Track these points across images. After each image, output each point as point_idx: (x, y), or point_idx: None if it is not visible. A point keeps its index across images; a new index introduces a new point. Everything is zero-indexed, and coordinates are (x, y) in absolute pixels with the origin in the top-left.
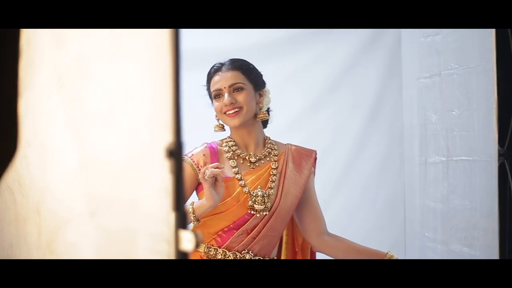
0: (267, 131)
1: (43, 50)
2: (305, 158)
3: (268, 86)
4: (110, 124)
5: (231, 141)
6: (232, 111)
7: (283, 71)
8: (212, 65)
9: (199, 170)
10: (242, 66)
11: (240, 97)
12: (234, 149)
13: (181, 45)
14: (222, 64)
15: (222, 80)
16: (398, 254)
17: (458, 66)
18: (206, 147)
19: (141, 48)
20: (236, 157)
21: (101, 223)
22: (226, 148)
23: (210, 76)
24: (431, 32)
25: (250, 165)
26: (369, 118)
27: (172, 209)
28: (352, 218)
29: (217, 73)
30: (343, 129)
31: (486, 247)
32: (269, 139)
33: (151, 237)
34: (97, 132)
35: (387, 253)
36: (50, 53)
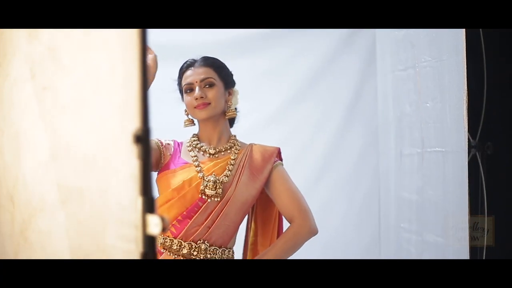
0: (245, 126)
1: (15, 41)
2: (268, 156)
3: (247, 81)
4: (80, 113)
5: (194, 137)
6: (202, 105)
7: (261, 67)
8: (185, 60)
9: (164, 147)
10: (214, 64)
11: (210, 93)
12: (195, 144)
13: (151, 39)
14: (195, 60)
15: (194, 74)
16: (374, 247)
17: (431, 59)
18: (173, 140)
19: (110, 40)
20: (197, 150)
21: (72, 211)
22: (188, 143)
23: (182, 71)
24: None
25: (209, 156)
26: (347, 113)
27: (139, 194)
28: (331, 213)
29: (190, 68)
30: (321, 125)
31: (457, 239)
32: (234, 137)
33: (120, 223)
34: (67, 121)
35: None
36: (23, 43)
